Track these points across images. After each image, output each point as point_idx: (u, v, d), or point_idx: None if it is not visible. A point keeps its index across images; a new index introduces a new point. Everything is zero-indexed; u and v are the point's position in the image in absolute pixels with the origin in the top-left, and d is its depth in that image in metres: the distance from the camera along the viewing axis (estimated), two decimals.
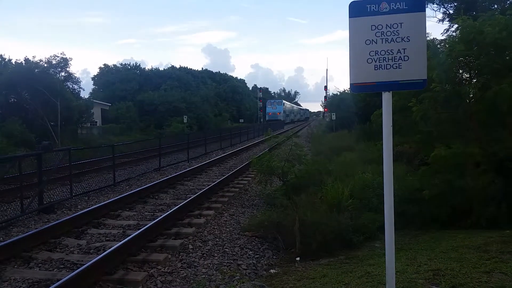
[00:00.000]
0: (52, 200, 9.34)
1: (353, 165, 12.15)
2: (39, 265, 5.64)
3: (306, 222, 6.63)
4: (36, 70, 27.06)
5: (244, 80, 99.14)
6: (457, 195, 6.85)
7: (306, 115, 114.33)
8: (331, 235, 6.40)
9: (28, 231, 7.12)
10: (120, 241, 6.13)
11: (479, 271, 4.21)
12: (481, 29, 6.88)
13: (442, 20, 24.65)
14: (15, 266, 5.59)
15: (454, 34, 8.19)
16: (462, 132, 7.52)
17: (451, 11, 23.67)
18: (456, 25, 7.92)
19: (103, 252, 5.66)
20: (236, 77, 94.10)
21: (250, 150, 24.23)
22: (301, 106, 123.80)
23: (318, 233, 6.33)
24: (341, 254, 6.17)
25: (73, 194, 10.21)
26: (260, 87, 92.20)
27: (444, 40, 8.87)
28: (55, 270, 5.46)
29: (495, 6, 20.31)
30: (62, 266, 5.58)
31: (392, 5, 3.38)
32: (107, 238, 6.85)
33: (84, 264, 5.11)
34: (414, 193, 7.37)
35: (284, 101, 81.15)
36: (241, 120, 71.40)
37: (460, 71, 7.80)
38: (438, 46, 8.98)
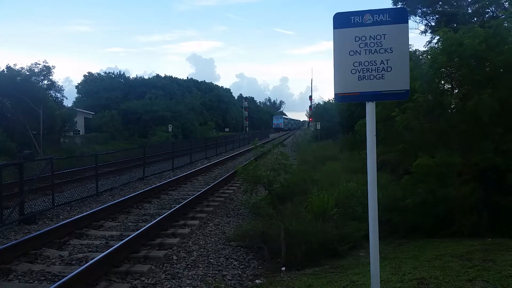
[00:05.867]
0: (33, 211, 9.16)
1: (338, 174, 12.21)
2: (19, 277, 5.50)
3: (292, 231, 6.62)
4: (18, 78, 26.62)
5: (229, 90, 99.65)
6: (439, 204, 6.93)
7: (299, 124, 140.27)
8: (316, 244, 6.40)
9: (7, 242, 6.95)
10: (103, 252, 6.02)
11: (462, 279, 4.26)
12: (461, 41, 7.04)
13: (425, 32, 25.21)
14: None
15: (436, 45, 8.34)
16: (444, 142, 7.63)
17: (433, 23, 24.22)
18: (437, 37, 8.08)
19: (85, 264, 5.55)
20: (222, 86, 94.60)
21: (235, 159, 24.19)
22: (286, 115, 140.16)
23: (303, 243, 6.33)
24: (326, 263, 6.17)
25: (55, 204, 10.03)
26: (246, 97, 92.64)
27: (427, 51, 9.02)
28: (35, 282, 5.33)
29: (475, 19, 20.86)
30: (42, 278, 5.45)
31: (376, 16, 3.44)
32: (90, 249, 6.73)
33: (65, 276, 5.00)
34: (398, 202, 7.43)
35: (283, 116, 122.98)
36: (227, 129, 71.49)
37: (442, 82, 7.94)
38: (421, 57, 9.13)
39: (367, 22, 3.45)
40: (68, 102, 40.02)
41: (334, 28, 3.54)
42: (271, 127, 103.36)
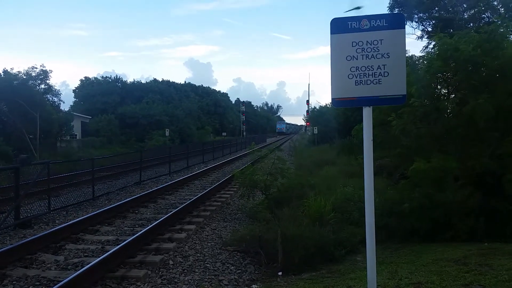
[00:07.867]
0: (29, 215, 9.11)
1: (335, 179, 12.22)
2: (14, 282, 5.46)
3: (289, 236, 6.60)
4: (15, 82, 26.56)
5: (227, 94, 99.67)
6: (436, 209, 6.93)
7: (298, 129, 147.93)
8: (313, 249, 6.38)
9: (2, 247, 6.90)
10: (99, 257, 5.99)
11: (458, 284, 4.26)
12: (456, 46, 7.08)
13: (421, 37, 25.37)
14: None
15: (432, 51, 8.39)
16: (441, 146, 7.66)
17: (429, 29, 24.38)
18: (434, 42, 8.14)
19: (81, 268, 5.52)
20: (219, 91, 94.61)
21: (232, 164, 24.16)
22: (284, 120, 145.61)
23: (300, 247, 6.31)
24: (323, 268, 6.15)
25: (51, 209, 9.98)
26: (243, 101, 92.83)
27: (423, 56, 9.08)
28: (30, 287, 5.29)
29: (471, 24, 21.00)
30: (38, 283, 5.41)
31: (373, 22, 3.46)
32: (86, 254, 6.70)
33: (61, 281, 4.97)
34: (395, 207, 7.42)
35: (285, 121, 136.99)
36: (224, 134, 71.45)
37: (438, 86, 7.99)
38: (417, 62, 9.18)
39: (364, 27, 3.47)
40: (65, 106, 39.93)
41: (331, 33, 3.56)
42: (268, 131, 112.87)
